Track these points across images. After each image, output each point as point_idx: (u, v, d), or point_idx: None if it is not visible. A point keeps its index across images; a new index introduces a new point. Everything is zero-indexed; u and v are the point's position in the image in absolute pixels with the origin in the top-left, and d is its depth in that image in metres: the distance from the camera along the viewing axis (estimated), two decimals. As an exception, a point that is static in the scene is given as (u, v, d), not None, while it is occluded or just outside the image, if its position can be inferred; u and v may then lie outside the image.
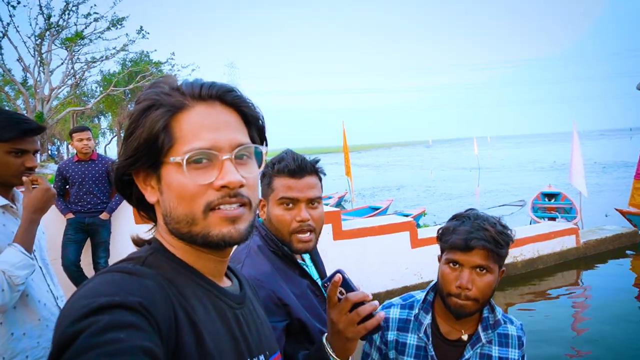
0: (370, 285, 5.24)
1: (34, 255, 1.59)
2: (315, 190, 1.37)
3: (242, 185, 0.71)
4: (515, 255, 6.55)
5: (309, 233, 1.35)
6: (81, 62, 22.01)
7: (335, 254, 5.01)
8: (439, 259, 1.44)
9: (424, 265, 5.55)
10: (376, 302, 1.00)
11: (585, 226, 9.12)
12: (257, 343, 0.79)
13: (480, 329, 1.43)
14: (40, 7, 16.96)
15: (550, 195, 12.88)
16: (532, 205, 12.11)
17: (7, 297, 1.45)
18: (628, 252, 7.78)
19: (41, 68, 19.50)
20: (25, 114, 1.75)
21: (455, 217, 1.42)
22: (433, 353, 1.40)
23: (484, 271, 1.33)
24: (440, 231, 1.44)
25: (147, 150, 0.70)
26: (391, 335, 1.47)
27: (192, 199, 0.69)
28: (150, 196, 0.74)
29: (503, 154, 58.01)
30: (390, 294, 5.35)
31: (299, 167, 1.35)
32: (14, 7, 15.81)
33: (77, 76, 22.39)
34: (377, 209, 13.31)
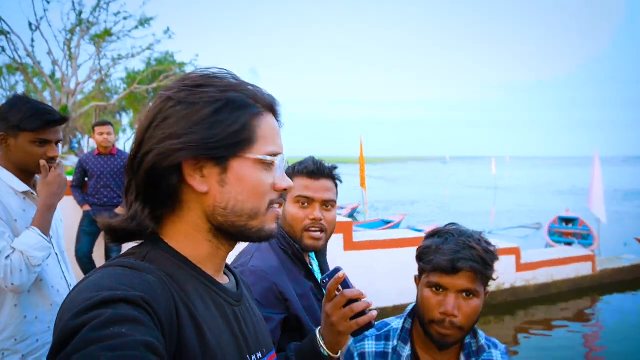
0: (378, 299, 5.19)
1: (51, 241, 1.62)
2: (330, 193, 1.42)
3: None
4: (528, 278, 6.42)
5: (319, 232, 1.39)
6: (107, 59, 22.49)
7: (344, 265, 4.95)
8: (416, 281, 1.32)
9: (434, 282, 5.50)
10: (370, 302, 1.06)
11: (603, 254, 8.92)
12: (254, 340, 0.80)
13: (462, 357, 1.30)
14: (73, 3, 17.43)
15: (567, 220, 12.63)
16: (549, 229, 11.89)
17: (25, 278, 1.48)
18: (646, 283, 7.57)
19: (69, 62, 19.98)
20: (51, 106, 1.78)
21: (435, 234, 1.29)
22: None
23: (471, 296, 1.20)
24: (420, 250, 1.30)
25: (235, 141, 0.72)
26: None
27: (262, 196, 0.74)
28: (201, 186, 0.72)
29: (521, 174, 57.24)
30: (398, 309, 5.28)
31: (318, 169, 1.41)
32: (48, 2, 16.26)
33: (102, 72, 22.88)
34: (389, 222, 13.23)
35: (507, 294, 6.22)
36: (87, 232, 4.50)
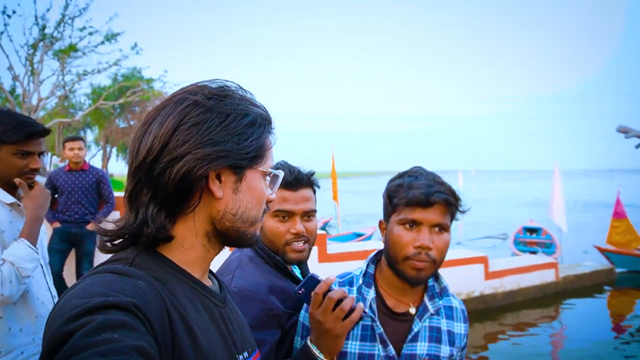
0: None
1: (37, 252, 1.62)
2: (310, 203, 1.37)
3: None
4: (495, 286, 6.63)
5: (303, 242, 1.36)
6: (72, 74, 22.02)
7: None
8: (382, 225, 1.31)
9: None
10: (353, 295, 1.09)
11: (565, 261, 9.30)
12: (240, 340, 0.81)
13: (426, 298, 1.29)
14: (36, 17, 17.05)
15: (532, 230, 13.11)
16: (514, 239, 12.30)
17: (15, 289, 1.48)
18: (605, 287, 7.94)
19: (31, 78, 19.44)
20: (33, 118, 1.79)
21: (404, 174, 1.28)
22: (381, 330, 1.22)
23: (442, 230, 1.21)
24: (392, 189, 1.27)
25: (257, 154, 0.77)
26: None
27: (262, 205, 0.81)
28: (219, 191, 0.74)
29: (488, 187, 58.88)
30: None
31: (296, 179, 1.34)
32: (9, 17, 15.85)
33: (66, 88, 22.34)
34: (361, 235, 13.35)
35: (477, 302, 6.40)
36: (58, 250, 4.38)
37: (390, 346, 1.22)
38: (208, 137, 0.71)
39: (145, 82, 27.54)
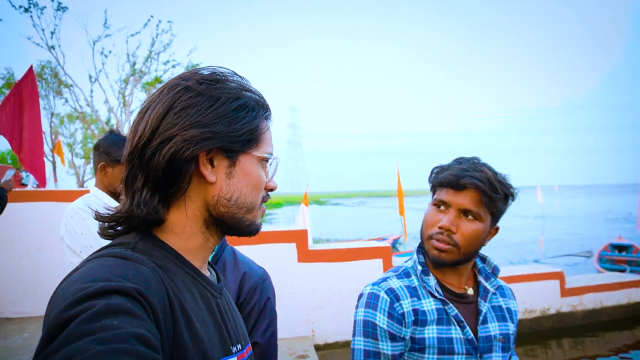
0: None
1: None
2: None
3: None
4: (574, 304, 6.28)
5: None
6: (158, 104, 23.84)
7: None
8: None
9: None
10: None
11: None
12: (235, 332, 0.81)
13: (481, 279, 1.30)
14: (128, 55, 18.89)
15: (620, 247, 12.10)
16: (599, 257, 11.44)
17: None
18: None
19: (123, 109, 21.50)
20: None
21: (455, 160, 1.28)
22: (456, 311, 1.22)
23: (471, 217, 1.19)
24: (432, 171, 1.30)
25: (249, 137, 0.76)
26: (407, 305, 1.22)
27: (260, 191, 0.80)
28: (211, 176, 0.74)
29: (572, 203, 54.72)
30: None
31: None
32: (105, 56, 17.76)
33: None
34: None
35: (553, 320, 6.10)
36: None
37: (468, 328, 1.21)
38: (196, 119, 0.71)
39: (221, 108, 29.07)
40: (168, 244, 0.74)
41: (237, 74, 0.80)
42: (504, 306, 1.30)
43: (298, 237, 4.96)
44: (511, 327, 1.29)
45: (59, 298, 0.57)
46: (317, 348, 4.73)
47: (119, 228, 0.75)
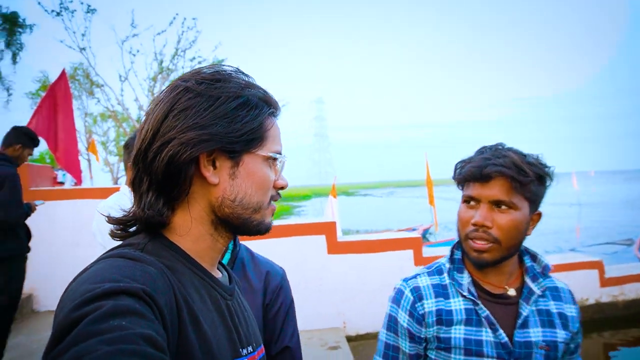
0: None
1: None
2: None
3: None
4: (614, 294, 6.05)
5: None
6: (186, 101, 24.28)
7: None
8: None
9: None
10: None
11: None
12: (246, 334, 0.80)
13: (528, 279, 1.19)
14: (155, 54, 19.22)
15: (664, 234, 11.61)
16: (641, 244, 11.00)
17: None
18: None
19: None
20: None
21: (477, 151, 1.20)
22: (487, 312, 1.14)
23: (504, 207, 1.10)
24: (456, 166, 1.22)
25: (252, 137, 0.75)
26: (429, 305, 1.18)
27: (267, 191, 0.78)
28: (213, 177, 0.74)
29: (609, 189, 52.83)
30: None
31: None
32: (134, 55, 18.15)
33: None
34: (462, 242, 12.90)
35: (592, 311, 5.90)
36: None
37: (501, 331, 1.13)
38: (194, 122, 0.70)
39: (248, 103, 29.37)
40: (177, 245, 0.74)
41: (240, 72, 0.79)
42: (554, 310, 1.18)
43: (327, 229, 4.95)
44: (561, 335, 1.15)
45: (68, 298, 0.58)
46: (349, 339, 4.73)
47: (129, 230, 0.76)
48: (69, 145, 5.36)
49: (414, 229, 16.51)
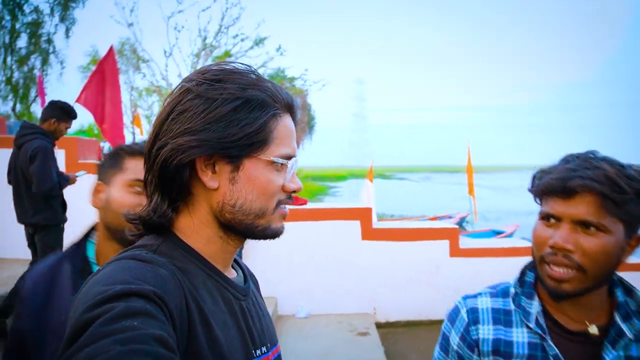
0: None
1: None
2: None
3: None
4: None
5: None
6: (227, 78, 24.58)
7: (450, 272, 4.97)
8: None
9: (548, 294, 5.19)
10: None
11: None
12: (260, 334, 0.80)
13: (618, 317, 0.95)
14: (199, 30, 19.46)
15: None
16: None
17: None
18: None
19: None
20: None
21: (562, 159, 1.00)
22: (556, 351, 0.94)
23: (592, 229, 0.90)
24: (534, 175, 1.03)
25: (250, 141, 0.71)
26: (485, 331, 1.02)
27: (271, 196, 0.74)
28: (212, 182, 0.72)
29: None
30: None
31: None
32: (179, 31, 18.45)
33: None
34: (501, 232, 12.59)
35: None
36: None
37: None
38: (187, 126, 0.69)
39: (288, 81, 29.50)
40: (190, 246, 0.74)
41: (249, 69, 0.75)
42: None
43: (362, 215, 4.94)
44: None
45: (81, 300, 0.59)
46: (378, 326, 4.73)
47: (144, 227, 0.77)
48: (115, 119, 5.53)
49: (450, 217, 16.22)
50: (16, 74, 23.16)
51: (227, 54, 22.25)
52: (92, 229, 1.27)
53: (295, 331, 4.42)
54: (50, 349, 1.05)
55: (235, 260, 0.86)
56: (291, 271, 4.84)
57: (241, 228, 0.74)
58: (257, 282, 0.96)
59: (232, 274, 0.81)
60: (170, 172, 0.71)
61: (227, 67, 0.74)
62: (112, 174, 1.21)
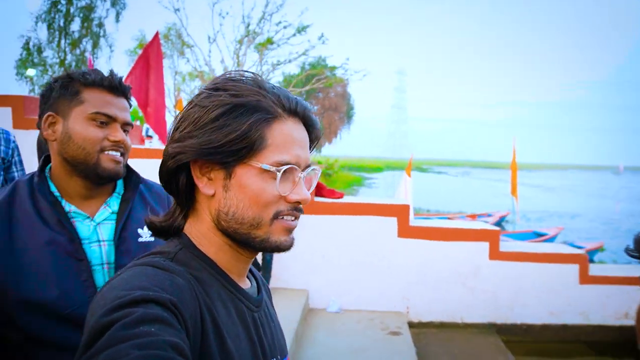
0: (524, 315, 4.88)
1: None
2: (128, 115, 1.24)
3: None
4: None
5: (120, 154, 1.21)
6: (268, 65, 24.80)
7: (489, 275, 4.80)
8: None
9: (591, 305, 4.94)
10: None
11: None
12: (270, 346, 0.80)
13: None
14: (243, 17, 19.57)
15: None
16: None
17: None
18: None
19: (237, 69, 22.56)
20: None
21: None
22: None
23: None
24: (637, 235, 0.96)
25: (236, 147, 0.69)
26: None
27: (265, 206, 0.71)
28: (207, 188, 0.72)
29: None
30: (546, 328, 4.90)
31: (120, 85, 1.21)
32: (223, 17, 18.62)
33: (263, 77, 25.21)
34: (542, 235, 12.11)
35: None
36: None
37: None
38: (180, 134, 0.72)
39: (329, 70, 29.34)
40: (206, 254, 0.74)
41: (252, 75, 0.74)
42: None
43: (400, 212, 4.82)
44: None
45: (99, 304, 0.60)
46: (411, 325, 4.64)
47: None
48: (158, 105, 5.63)
49: (489, 215, 15.76)
50: (69, 57, 24.12)
51: (269, 40, 22.32)
52: (44, 163, 1.22)
53: (326, 326, 4.39)
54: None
55: (249, 270, 0.85)
56: (324, 265, 4.79)
57: (239, 238, 0.73)
58: (269, 291, 0.96)
59: (246, 284, 0.82)
60: (168, 177, 0.74)
61: (230, 76, 0.74)
62: (68, 106, 1.17)
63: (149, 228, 0.79)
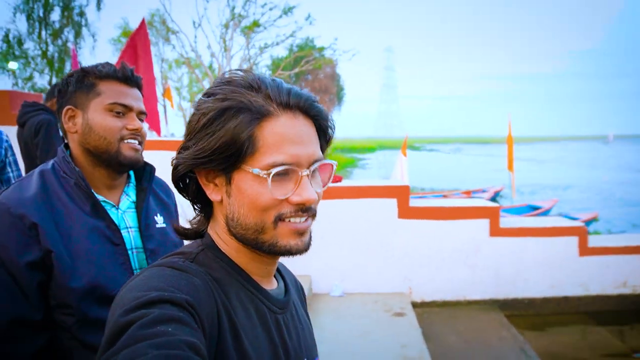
0: (526, 289, 4.93)
1: None
2: (142, 104, 1.29)
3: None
4: None
5: (138, 142, 1.26)
6: (255, 48, 24.43)
7: (490, 252, 4.82)
8: None
9: (591, 276, 4.99)
10: None
11: None
12: (296, 349, 0.78)
13: None
14: (227, 0, 19.17)
15: None
16: None
17: None
18: None
19: (224, 54, 22.22)
20: None
21: None
22: None
23: None
24: None
25: (226, 154, 0.68)
26: None
27: (264, 210, 0.69)
28: (214, 194, 0.72)
29: None
30: (548, 301, 4.96)
31: (132, 77, 1.26)
32: (207, 1, 18.22)
33: (251, 61, 24.92)
34: (538, 208, 12.20)
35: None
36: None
37: None
38: (182, 144, 0.73)
39: (317, 51, 28.99)
40: (228, 256, 0.75)
41: (243, 73, 0.71)
42: None
43: (399, 193, 4.81)
44: None
45: (118, 304, 0.62)
46: (414, 305, 4.67)
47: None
48: (148, 96, 5.50)
49: (484, 191, 15.83)
50: (51, 48, 23.57)
51: (256, 23, 21.93)
52: (67, 154, 1.26)
53: (331, 310, 4.40)
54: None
55: (278, 270, 0.85)
56: (326, 250, 4.78)
57: (248, 243, 0.72)
58: (302, 291, 0.94)
59: (271, 285, 0.80)
60: (179, 185, 0.75)
61: (223, 78, 0.72)
62: (86, 99, 1.23)
63: (177, 233, 0.82)
